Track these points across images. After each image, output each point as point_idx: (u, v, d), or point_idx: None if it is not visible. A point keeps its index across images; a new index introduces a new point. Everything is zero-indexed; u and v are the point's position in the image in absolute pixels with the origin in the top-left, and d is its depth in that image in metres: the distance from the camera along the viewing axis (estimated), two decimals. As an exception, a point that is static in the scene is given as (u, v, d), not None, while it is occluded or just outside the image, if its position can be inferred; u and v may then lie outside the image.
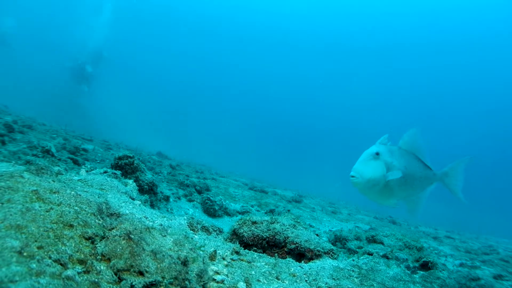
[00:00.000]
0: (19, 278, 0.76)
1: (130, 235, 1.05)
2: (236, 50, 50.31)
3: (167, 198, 3.34)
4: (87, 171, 2.42)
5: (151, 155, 8.52)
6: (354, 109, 51.71)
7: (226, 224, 3.48)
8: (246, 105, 54.33)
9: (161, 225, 1.69)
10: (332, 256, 1.89)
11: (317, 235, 2.04)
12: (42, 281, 0.79)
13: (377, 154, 2.27)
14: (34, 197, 1.10)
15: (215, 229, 2.03)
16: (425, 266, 2.13)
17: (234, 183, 6.96)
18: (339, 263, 1.80)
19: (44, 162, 2.56)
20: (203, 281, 1.10)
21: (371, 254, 2.17)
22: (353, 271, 1.69)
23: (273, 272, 1.53)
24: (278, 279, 1.47)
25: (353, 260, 1.93)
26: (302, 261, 1.82)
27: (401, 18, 40.83)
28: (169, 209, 3.25)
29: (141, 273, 0.97)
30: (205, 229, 1.95)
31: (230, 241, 1.88)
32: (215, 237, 1.87)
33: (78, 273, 0.90)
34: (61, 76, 17.58)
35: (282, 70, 51.64)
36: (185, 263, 1.06)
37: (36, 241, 0.90)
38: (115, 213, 1.33)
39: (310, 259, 1.84)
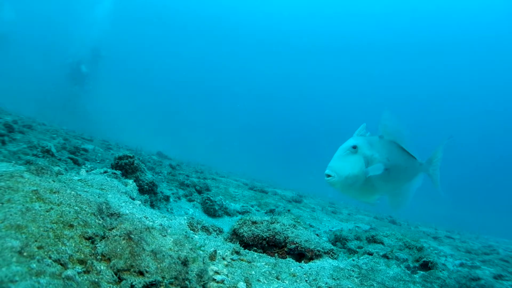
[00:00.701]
0: (19, 278, 0.76)
1: (130, 235, 1.05)
2: (237, 50, 50.31)
3: (167, 198, 3.34)
4: (87, 171, 2.42)
5: (151, 155, 8.51)
6: (354, 109, 51.66)
7: (226, 224, 3.47)
8: (246, 105, 54.35)
9: (161, 225, 1.69)
10: (332, 256, 1.89)
11: (317, 235, 2.04)
12: (42, 281, 0.79)
13: (355, 147, 2.04)
14: (34, 197, 1.10)
15: (215, 229, 2.03)
16: (425, 266, 2.14)
17: (234, 183, 6.96)
18: (339, 263, 1.80)
19: (44, 162, 2.57)
20: (203, 281, 1.10)
21: (371, 254, 2.17)
22: (353, 271, 1.69)
23: (273, 272, 1.53)
24: (278, 279, 1.47)
25: (353, 260, 1.94)
26: (302, 261, 1.82)
27: (399, 18, 40.76)
28: (169, 209, 3.25)
29: (141, 273, 0.97)
30: (205, 229, 1.95)
31: (230, 241, 1.88)
32: (215, 237, 1.87)
33: (78, 273, 0.90)
34: (58, 74, 17.40)
35: (282, 70, 51.63)
36: (185, 263, 1.06)
37: (36, 241, 0.90)
38: (115, 213, 1.33)
39: (310, 259, 1.84)
